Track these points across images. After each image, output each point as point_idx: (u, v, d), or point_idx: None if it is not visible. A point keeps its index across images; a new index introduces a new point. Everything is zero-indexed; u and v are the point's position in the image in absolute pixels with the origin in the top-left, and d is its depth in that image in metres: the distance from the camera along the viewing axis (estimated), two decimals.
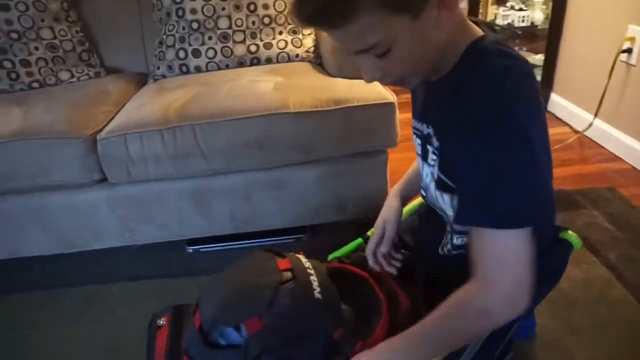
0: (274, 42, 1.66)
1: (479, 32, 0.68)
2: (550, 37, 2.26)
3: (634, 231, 1.48)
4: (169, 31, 1.64)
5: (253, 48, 1.65)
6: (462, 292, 0.67)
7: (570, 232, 0.88)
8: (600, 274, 1.33)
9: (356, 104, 1.30)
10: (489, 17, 2.44)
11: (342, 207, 1.44)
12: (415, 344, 0.69)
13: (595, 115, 2.03)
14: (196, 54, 1.64)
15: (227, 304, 0.81)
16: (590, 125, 2.06)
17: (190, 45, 1.63)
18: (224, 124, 1.27)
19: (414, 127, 0.84)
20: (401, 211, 0.96)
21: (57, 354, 1.22)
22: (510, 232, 0.62)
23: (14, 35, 1.61)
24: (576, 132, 2.14)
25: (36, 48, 1.64)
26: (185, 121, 1.28)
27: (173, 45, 1.64)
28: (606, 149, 1.99)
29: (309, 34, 1.70)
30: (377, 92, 1.33)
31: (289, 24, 1.66)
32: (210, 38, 1.63)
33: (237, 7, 1.63)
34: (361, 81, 1.35)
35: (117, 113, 1.41)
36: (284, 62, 1.68)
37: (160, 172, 1.31)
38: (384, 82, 0.71)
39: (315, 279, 0.82)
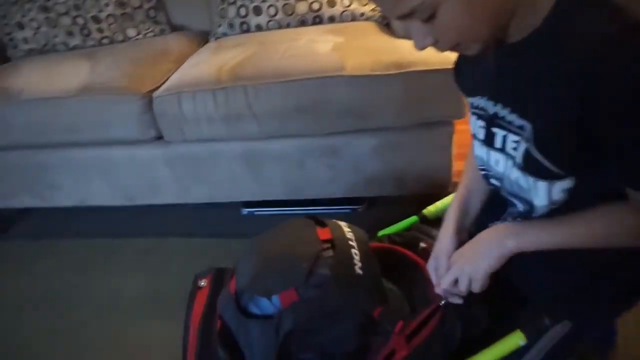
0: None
1: None
2: None
3: None
4: None
5: (315, 6, 1.55)
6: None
7: None
8: None
9: (420, 69, 1.17)
10: None
11: (400, 181, 1.34)
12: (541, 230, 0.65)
13: None
14: (257, 11, 1.58)
15: (263, 273, 0.77)
16: None
17: (251, 2, 1.57)
18: (276, 86, 1.22)
19: (474, 107, 0.72)
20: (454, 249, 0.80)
21: (114, 298, 1.30)
22: None
23: None
24: None
25: (106, 5, 1.66)
26: (237, 82, 1.24)
27: (234, 2, 1.59)
28: None
29: None
30: (445, 55, 1.19)
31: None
32: None
33: None
34: None
35: (175, 71, 1.41)
36: (347, 21, 1.57)
37: (213, 133, 1.30)
38: (438, 49, 0.60)
39: (357, 252, 0.76)
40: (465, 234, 0.80)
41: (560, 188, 0.62)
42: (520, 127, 0.62)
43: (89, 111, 1.33)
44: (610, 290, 0.69)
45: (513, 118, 0.63)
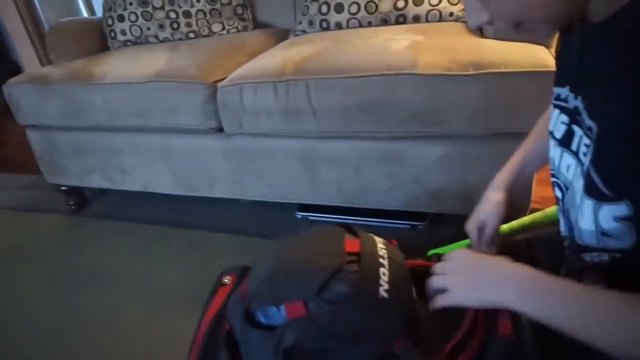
0: None
1: None
2: None
3: None
4: None
5: (401, 4, 1.44)
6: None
7: None
8: None
9: (502, 70, 1.00)
10: None
11: (469, 198, 1.16)
12: (557, 290, 0.50)
13: None
14: (338, 8, 1.51)
15: (274, 280, 0.69)
16: None
17: None
18: (339, 82, 1.12)
19: (556, 97, 0.59)
20: (504, 206, 0.73)
21: (155, 283, 1.30)
22: None
23: None
24: None
25: (197, 0, 1.72)
26: (300, 75, 1.17)
27: (317, 0, 1.54)
28: None
29: None
30: (535, 56, 1.00)
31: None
32: None
33: None
34: (522, 45, 1.07)
35: (245, 64, 1.38)
36: (434, 21, 1.43)
37: (270, 127, 1.24)
38: (497, 32, 0.53)
39: (387, 271, 0.65)
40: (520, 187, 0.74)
41: (610, 214, 0.47)
42: (589, 129, 0.48)
43: (159, 97, 1.35)
44: None
45: (585, 116, 0.49)
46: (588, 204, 0.49)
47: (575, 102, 0.52)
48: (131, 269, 1.37)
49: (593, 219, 0.50)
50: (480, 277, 0.57)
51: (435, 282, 0.63)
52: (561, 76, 0.58)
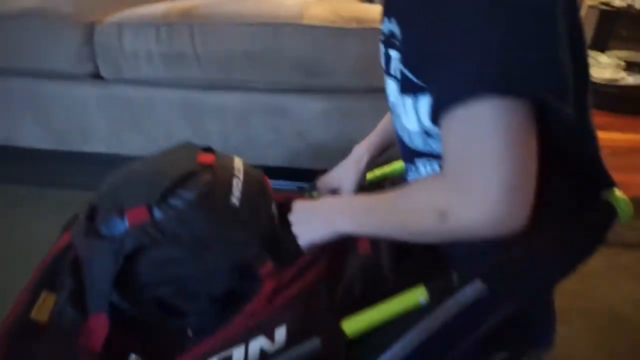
0: None
1: None
2: None
3: None
4: None
5: None
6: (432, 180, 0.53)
7: (618, 192, 0.57)
8: None
9: None
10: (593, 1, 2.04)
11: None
12: (368, 210, 0.57)
13: None
14: None
15: (117, 189, 0.65)
16: None
17: None
18: (224, 27, 1.11)
19: (381, 34, 0.62)
20: (361, 173, 0.79)
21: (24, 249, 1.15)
22: (489, 103, 0.40)
23: None
24: None
25: None
26: (185, 19, 1.13)
27: None
28: None
29: None
30: None
31: None
32: None
33: None
34: None
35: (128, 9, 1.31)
36: None
37: (152, 73, 1.18)
38: None
39: (240, 183, 0.65)
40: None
41: (425, 106, 0.50)
42: (396, 37, 0.53)
43: (29, 36, 1.23)
44: (538, 253, 0.56)
45: (395, 28, 0.53)
46: (408, 102, 0.53)
47: (389, 26, 0.56)
48: None
49: (415, 117, 0.53)
50: (314, 219, 0.61)
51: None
52: (384, 10, 0.63)
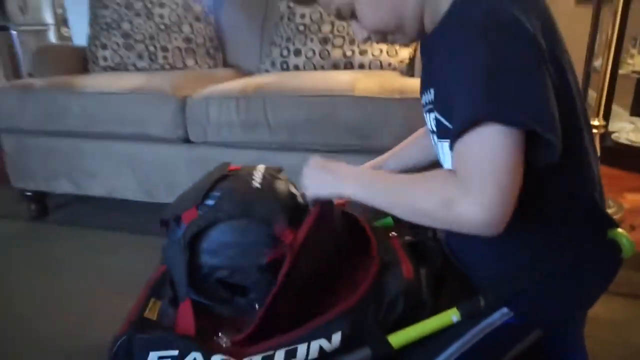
0: (369, 49, 1.72)
1: None
2: None
3: None
4: (279, 33, 1.83)
5: (349, 53, 1.74)
6: (443, 175, 0.62)
7: (620, 230, 0.69)
8: None
9: None
10: (636, 67, 2.17)
11: None
12: (377, 181, 0.67)
13: None
14: (297, 53, 1.78)
15: (177, 203, 0.82)
16: None
17: (294, 45, 1.79)
18: (290, 99, 1.35)
19: (423, 105, 0.77)
20: None
21: (112, 278, 1.37)
22: (490, 127, 0.54)
23: (162, 27, 1.96)
24: None
25: (175, 39, 1.96)
26: (258, 93, 1.39)
27: (280, 45, 1.82)
28: None
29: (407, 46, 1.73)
30: None
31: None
32: (312, 40, 1.77)
33: None
34: None
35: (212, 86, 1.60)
36: (375, 69, 1.72)
37: (231, 138, 1.43)
38: (375, 41, 0.74)
39: (259, 173, 0.80)
40: None
41: None
42: (432, 102, 0.69)
43: (134, 107, 1.53)
44: (557, 285, 0.68)
45: (432, 95, 0.69)
46: (444, 146, 0.67)
47: (428, 97, 0.71)
48: (86, 263, 1.45)
49: (450, 157, 0.69)
50: (324, 176, 0.71)
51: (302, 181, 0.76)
52: (421, 84, 0.79)
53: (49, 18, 6.24)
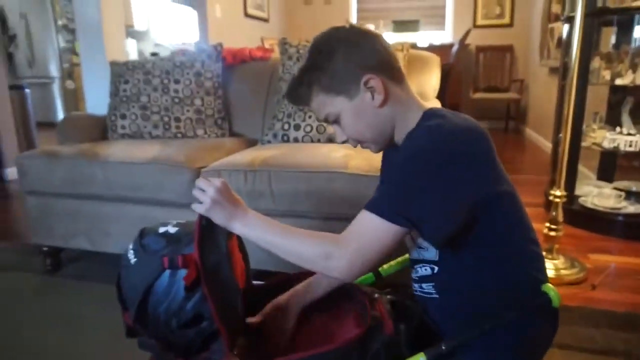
0: None
1: (433, 104, 0.90)
2: None
3: None
4: (281, 109, 2.08)
5: None
6: (329, 237, 0.84)
7: (550, 285, 0.86)
8: None
9: None
10: (597, 140, 2.44)
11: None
12: (267, 224, 0.87)
13: None
14: (297, 128, 2.02)
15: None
16: None
17: (294, 120, 2.03)
18: (292, 174, 1.57)
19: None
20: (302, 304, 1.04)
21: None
22: (374, 216, 0.78)
23: (177, 100, 2.21)
24: None
25: (187, 110, 2.20)
26: (265, 167, 1.60)
27: (281, 119, 2.06)
28: None
29: None
30: None
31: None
32: (310, 117, 2.01)
33: None
34: None
35: (223, 158, 1.82)
36: None
37: None
38: (351, 145, 0.93)
39: (131, 251, 0.98)
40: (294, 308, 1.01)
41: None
42: None
43: (152, 175, 1.74)
44: (505, 340, 0.86)
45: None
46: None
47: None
48: (102, 317, 1.59)
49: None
50: (225, 208, 0.86)
51: (197, 193, 0.89)
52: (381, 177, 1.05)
53: (54, 71, 6.59)
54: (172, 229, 0.96)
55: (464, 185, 0.78)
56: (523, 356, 0.90)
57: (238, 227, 0.87)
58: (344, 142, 0.92)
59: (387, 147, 0.94)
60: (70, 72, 6.60)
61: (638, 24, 2.43)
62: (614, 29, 2.63)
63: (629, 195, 2.47)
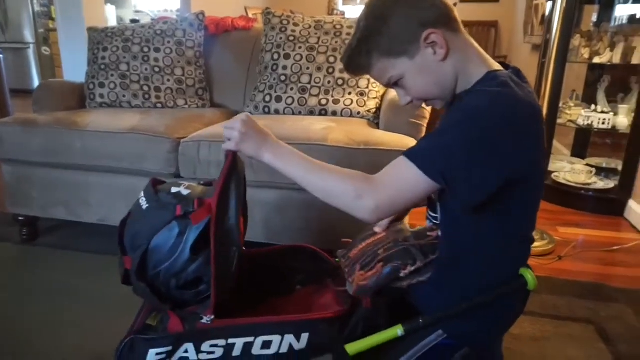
0: (342, 99, 1.98)
1: (496, 67, 0.85)
2: (631, 144, 2.24)
3: None
4: (263, 80, 2.07)
5: (324, 101, 1.98)
6: (361, 175, 0.84)
7: (529, 270, 0.88)
8: None
9: (381, 147, 1.52)
10: (572, 117, 2.49)
11: None
12: (298, 156, 0.88)
13: None
14: (278, 99, 2.02)
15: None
16: None
17: (275, 92, 2.02)
18: None
19: None
20: None
21: (106, 300, 1.54)
22: (413, 166, 0.77)
23: (157, 69, 2.17)
24: None
25: (168, 80, 2.17)
26: None
27: (263, 91, 2.05)
28: None
29: (374, 98, 1.99)
30: (403, 142, 1.54)
31: (358, 87, 1.98)
32: (292, 89, 2.01)
33: (319, 69, 2.00)
34: (397, 135, 1.58)
35: (203, 129, 1.81)
36: (346, 116, 1.97)
37: (217, 175, 1.64)
38: (415, 105, 0.91)
39: (143, 198, 1.01)
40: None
41: None
42: None
43: (131, 145, 1.73)
44: (480, 313, 0.88)
45: None
46: None
47: None
48: (83, 286, 1.62)
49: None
50: (254, 138, 0.89)
51: (226, 132, 0.91)
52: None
53: (29, 37, 6.36)
54: (184, 191, 0.97)
55: (507, 158, 0.77)
56: (493, 327, 0.94)
57: (268, 157, 0.88)
58: (408, 104, 0.90)
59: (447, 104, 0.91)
60: (46, 38, 6.38)
61: (619, 2, 2.45)
62: (596, 7, 2.65)
63: (600, 171, 2.55)
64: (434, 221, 0.97)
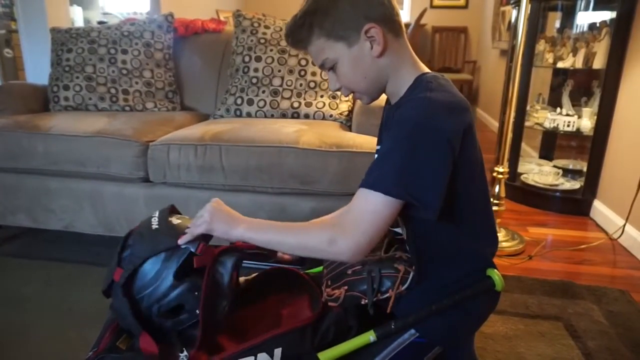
0: (314, 102, 1.97)
1: (425, 70, 0.89)
2: (594, 146, 2.31)
3: (629, 330, 1.42)
4: (234, 83, 2.04)
5: (296, 104, 1.97)
6: (329, 221, 0.85)
7: (496, 271, 0.90)
8: (571, 357, 1.30)
9: (354, 150, 1.51)
10: (539, 120, 2.56)
11: None
12: (268, 224, 0.87)
13: (626, 222, 1.99)
14: (250, 102, 2.00)
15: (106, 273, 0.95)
16: (622, 232, 2.02)
17: (247, 95, 2.00)
18: (244, 148, 1.56)
19: (376, 152, 0.98)
20: None
21: (69, 310, 1.48)
22: (377, 194, 0.76)
23: (124, 72, 2.12)
24: (611, 239, 2.09)
25: (136, 83, 2.12)
26: (215, 141, 1.58)
27: (234, 94, 2.02)
28: (636, 258, 1.92)
29: (347, 101, 1.99)
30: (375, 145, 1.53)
31: (330, 90, 1.98)
32: (263, 92, 1.99)
33: (290, 71, 1.99)
34: (369, 137, 1.58)
35: (173, 132, 1.77)
36: (319, 119, 1.96)
37: (188, 179, 1.61)
38: (343, 94, 0.93)
39: (156, 218, 0.97)
40: None
41: None
42: None
43: (98, 149, 1.67)
44: (450, 313, 0.89)
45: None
46: None
47: (379, 147, 0.94)
48: (45, 296, 1.55)
49: None
50: (223, 217, 0.88)
51: (195, 220, 0.90)
52: (379, 137, 1.01)
53: None
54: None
55: (448, 158, 0.80)
56: (463, 327, 0.95)
57: (241, 230, 0.87)
58: (337, 90, 0.92)
59: (377, 99, 0.94)
60: (7, 39, 6.16)
61: (580, 10, 2.54)
62: (559, 14, 2.74)
63: (566, 172, 2.63)
64: (396, 236, 0.98)
